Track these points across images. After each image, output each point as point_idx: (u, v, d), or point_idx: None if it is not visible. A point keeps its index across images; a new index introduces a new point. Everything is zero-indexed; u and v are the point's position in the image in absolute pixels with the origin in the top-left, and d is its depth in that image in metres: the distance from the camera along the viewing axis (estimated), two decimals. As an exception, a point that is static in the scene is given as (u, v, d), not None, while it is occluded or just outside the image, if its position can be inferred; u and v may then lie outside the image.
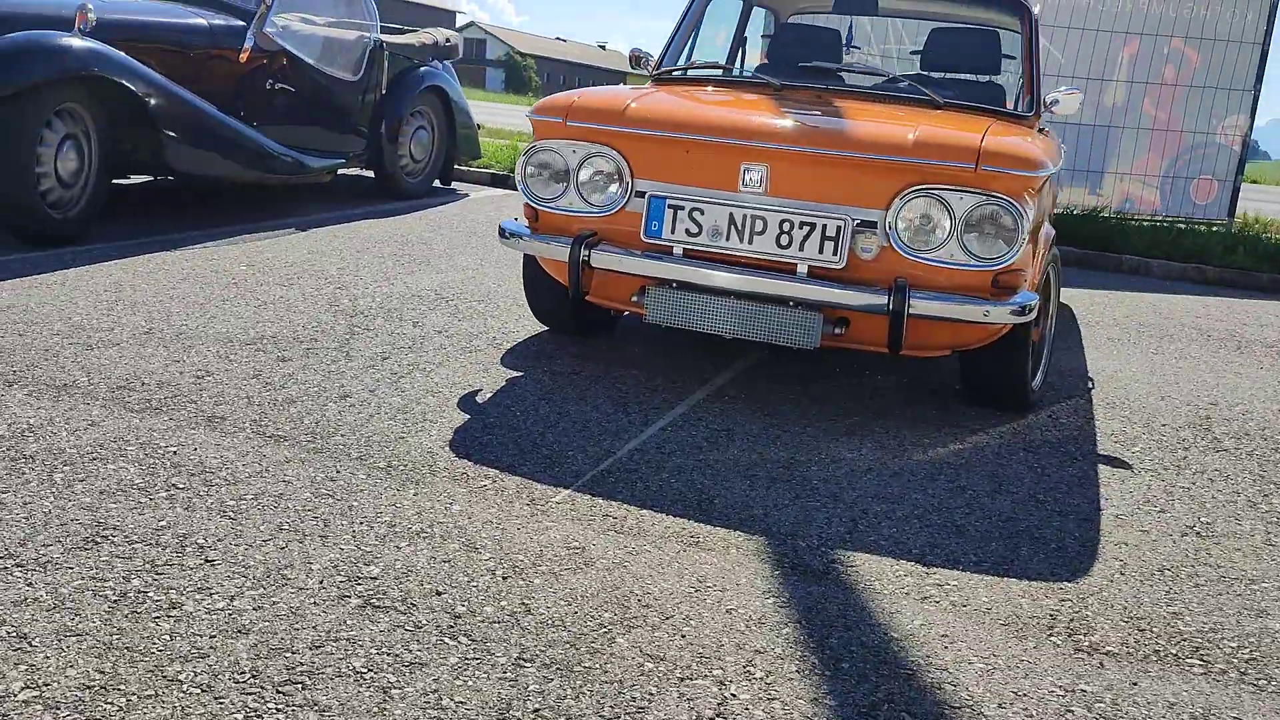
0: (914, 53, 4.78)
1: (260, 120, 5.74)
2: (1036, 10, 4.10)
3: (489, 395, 3.24)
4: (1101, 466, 3.15)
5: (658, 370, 3.66)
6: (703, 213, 3.17)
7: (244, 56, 5.61)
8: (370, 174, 6.90)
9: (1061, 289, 5.98)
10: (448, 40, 7.30)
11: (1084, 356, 4.53)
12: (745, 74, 4.05)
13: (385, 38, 6.68)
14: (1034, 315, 3.12)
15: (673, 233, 3.21)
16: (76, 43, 4.44)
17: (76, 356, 3.18)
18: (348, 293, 4.33)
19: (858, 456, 3.02)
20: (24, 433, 2.58)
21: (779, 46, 4.71)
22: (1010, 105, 4.09)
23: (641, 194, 3.24)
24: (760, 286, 3.11)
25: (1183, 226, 8.12)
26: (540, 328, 4.06)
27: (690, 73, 4.17)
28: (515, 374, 3.48)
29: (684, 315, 3.22)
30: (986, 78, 4.28)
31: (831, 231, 3.07)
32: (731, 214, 3.14)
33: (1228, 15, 8.09)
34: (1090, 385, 4.05)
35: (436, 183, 7.45)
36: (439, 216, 6.53)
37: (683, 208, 3.19)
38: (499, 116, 18.40)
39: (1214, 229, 8.18)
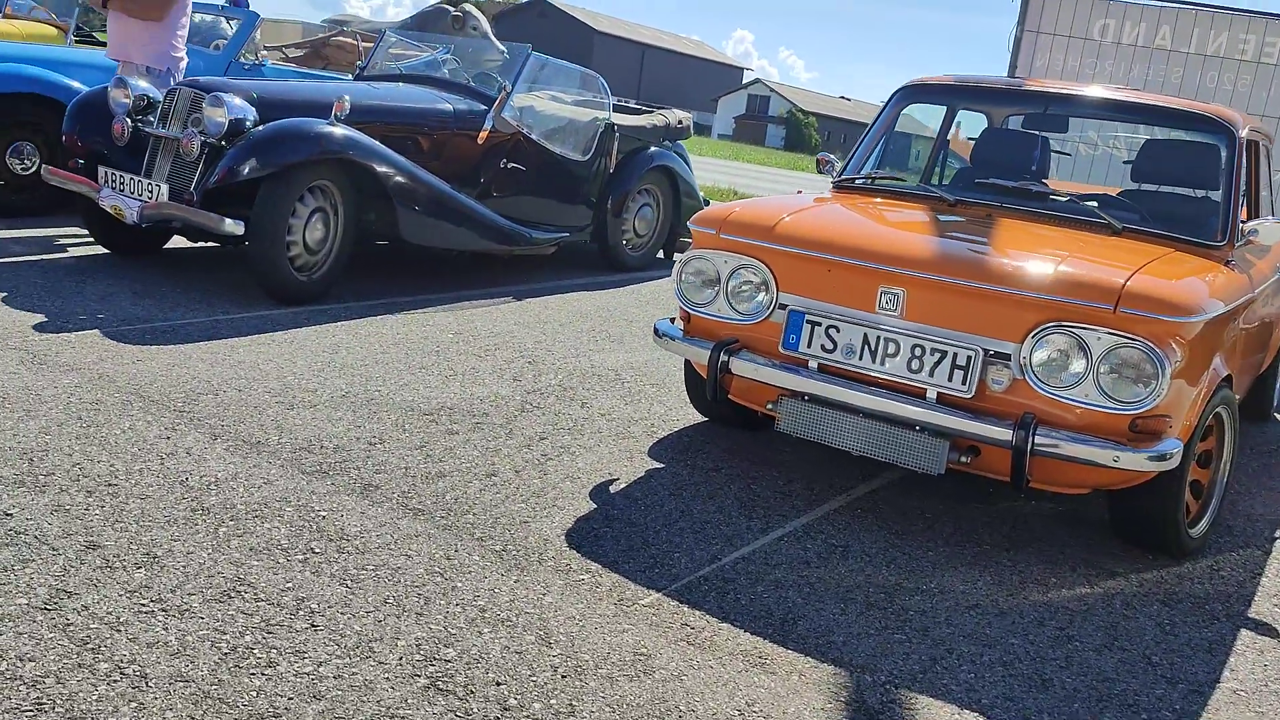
0: (1126, 163, 4.63)
1: (492, 195, 6.27)
2: (1244, 133, 3.89)
3: (623, 485, 3.44)
4: (1244, 632, 2.95)
5: (799, 474, 3.74)
6: (839, 330, 3.25)
7: (482, 137, 6.15)
8: (595, 246, 7.30)
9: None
10: (680, 122, 7.64)
11: (1286, 499, 4.20)
12: (919, 187, 4.07)
13: (617, 118, 7.10)
14: (1175, 464, 2.98)
15: (809, 347, 3.30)
16: (330, 130, 5.06)
17: (277, 416, 3.65)
18: (535, 367, 4.67)
19: (969, 589, 2.99)
20: (210, 485, 3.02)
21: (982, 151, 4.68)
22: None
23: (784, 306, 3.37)
24: (888, 408, 3.15)
25: None
26: (700, 417, 4.23)
27: (873, 181, 4.25)
28: (657, 465, 3.67)
29: (814, 428, 3.30)
30: (1203, 193, 4.09)
31: (962, 360, 3.07)
32: (866, 334, 3.21)
33: None
34: (1276, 535, 3.76)
35: (660, 254, 7.79)
36: (651, 291, 6.84)
37: (820, 324, 3.28)
38: (762, 180, 18.73)
39: None
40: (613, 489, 3.40)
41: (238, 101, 5.07)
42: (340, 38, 9.36)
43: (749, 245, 3.44)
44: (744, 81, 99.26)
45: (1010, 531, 3.47)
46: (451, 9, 12.03)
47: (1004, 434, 2.98)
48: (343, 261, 5.37)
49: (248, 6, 7.73)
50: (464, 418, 3.89)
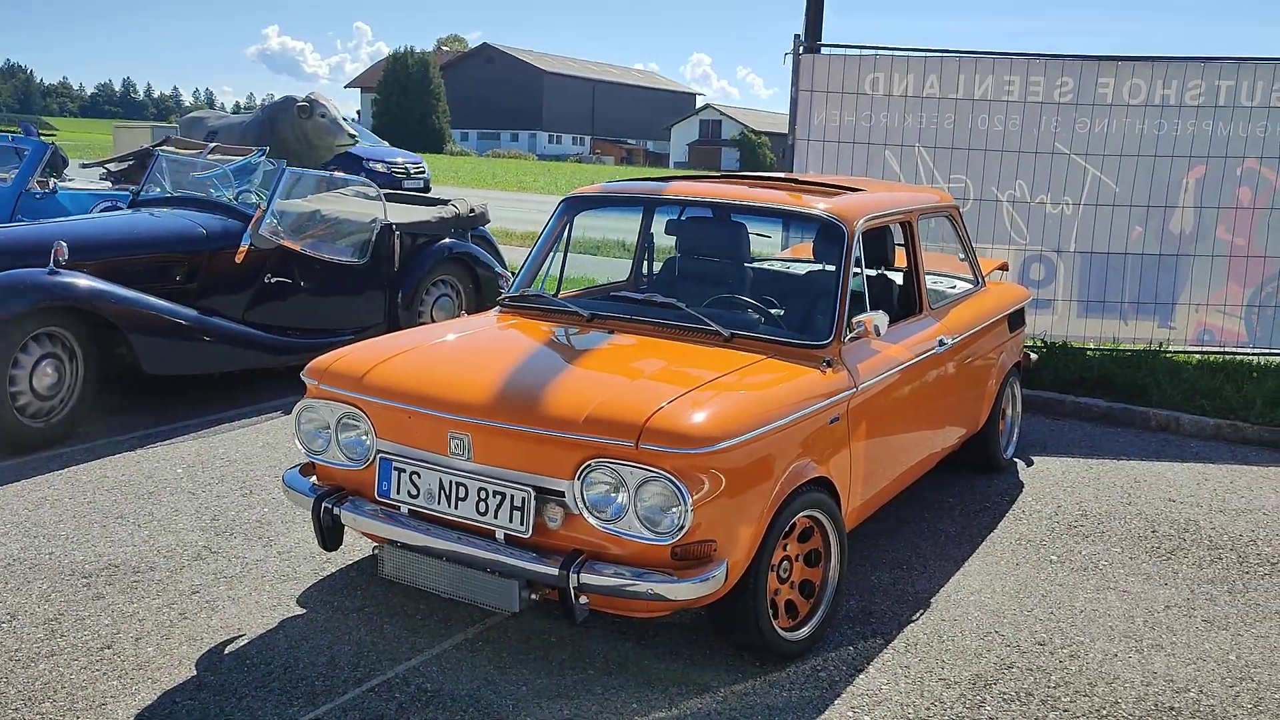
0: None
1: (260, 311, 6.35)
2: (859, 226, 4.00)
3: (244, 643, 3.49)
4: (798, 747, 3.01)
5: (445, 601, 3.78)
6: (420, 476, 3.34)
7: (240, 256, 6.24)
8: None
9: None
10: (472, 210, 7.75)
11: (957, 570, 4.27)
12: (563, 303, 4.16)
13: (399, 216, 7.19)
14: (719, 586, 3.07)
15: (398, 493, 3.38)
16: (40, 279, 5.14)
17: (-83, 599, 3.69)
18: (248, 498, 4.73)
19: (535, 729, 3.05)
20: None
21: (678, 244, 4.78)
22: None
23: (381, 453, 3.44)
24: (462, 550, 3.23)
25: (1255, 362, 7.36)
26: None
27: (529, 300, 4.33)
28: (299, 612, 3.72)
29: (409, 573, 3.37)
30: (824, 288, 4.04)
31: (519, 501, 3.16)
32: (441, 479, 3.29)
33: (1309, 130, 7.36)
34: (915, 618, 3.83)
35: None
36: (439, 385, 6.91)
37: (405, 470, 3.37)
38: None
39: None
40: (230, 649, 3.45)
41: (-51, 260, 5.15)
42: (164, 148, 9.46)
43: (345, 395, 3.52)
44: (696, 108, 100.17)
45: (632, 647, 3.53)
46: (299, 99, 12.16)
47: (551, 571, 3.06)
48: (87, 399, 5.43)
49: (37, 136, 7.83)
50: (125, 575, 3.94)
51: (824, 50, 7.72)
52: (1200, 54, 7.59)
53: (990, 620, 3.82)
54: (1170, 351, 7.59)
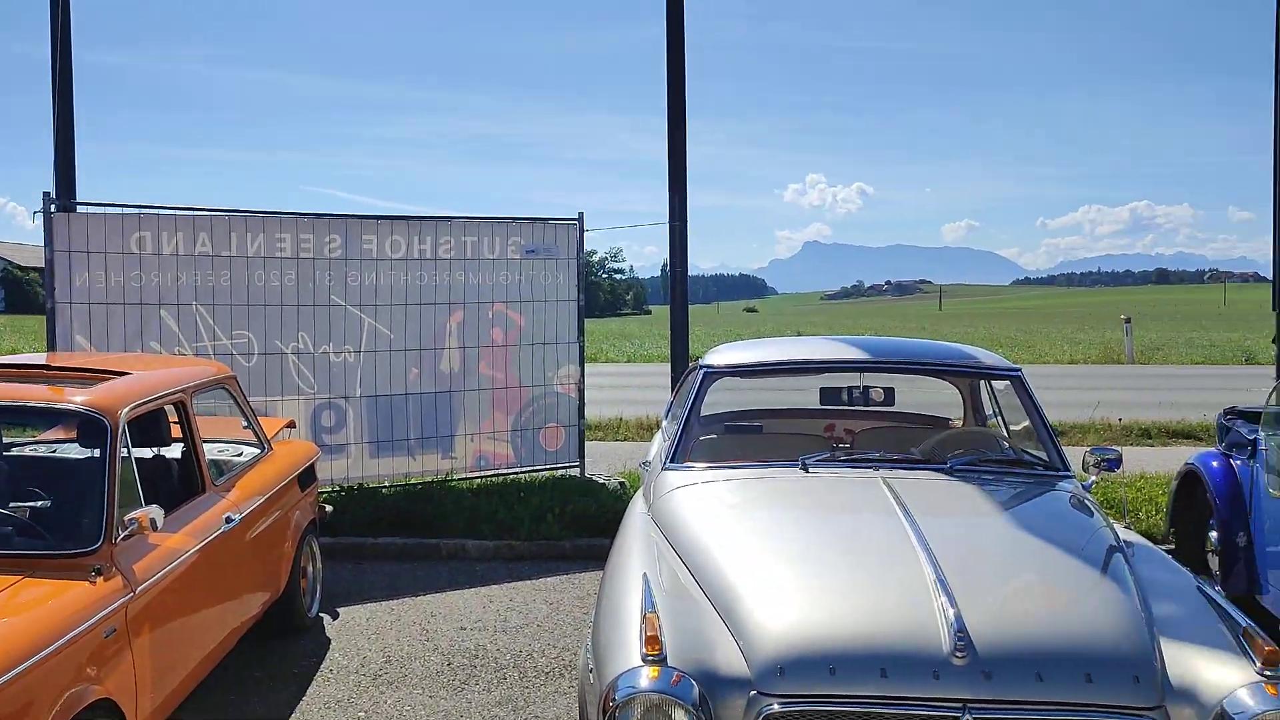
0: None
1: None
2: (122, 415, 3.82)
3: None
4: None
5: None
6: None
7: None
8: None
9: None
10: None
11: (272, 749, 4.20)
12: None
13: None
14: None
15: None
16: None
17: None
18: None
19: None
20: None
21: None
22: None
23: None
24: None
25: (523, 480, 8.43)
26: None
27: None
28: None
29: None
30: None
31: None
32: None
33: (541, 279, 8.68)
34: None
35: None
36: None
37: None
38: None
39: (557, 476, 8.59)
40: None
41: None
42: None
43: None
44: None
45: None
46: None
47: None
48: None
49: None
50: None
51: (80, 209, 7.29)
52: (458, 210, 8.59)
53: (302, 799, 3.81)
54: (455, 479, 8.33)
